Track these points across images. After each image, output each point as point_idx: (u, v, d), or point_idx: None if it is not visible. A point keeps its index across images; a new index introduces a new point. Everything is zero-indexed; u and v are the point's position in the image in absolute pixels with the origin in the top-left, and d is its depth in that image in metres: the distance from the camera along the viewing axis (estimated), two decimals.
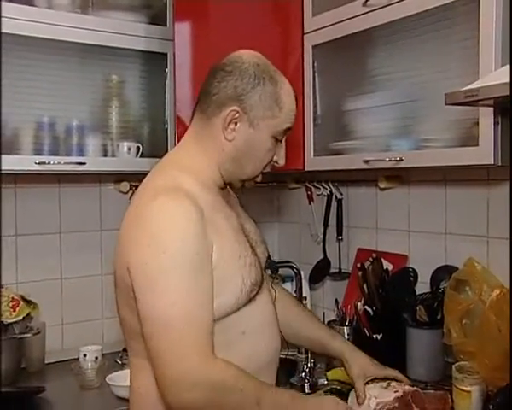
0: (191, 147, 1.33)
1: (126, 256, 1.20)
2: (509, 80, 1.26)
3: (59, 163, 2.01)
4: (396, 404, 1.55)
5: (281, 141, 1.35)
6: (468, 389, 1.64)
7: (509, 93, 1.27)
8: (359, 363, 1.58)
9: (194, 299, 1.14)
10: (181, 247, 1.15)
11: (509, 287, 1.69)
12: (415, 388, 1.61)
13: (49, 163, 1.99)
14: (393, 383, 1.59)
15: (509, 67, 1.32)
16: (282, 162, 1.37)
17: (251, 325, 1.29)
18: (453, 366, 1.72)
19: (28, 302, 2.09)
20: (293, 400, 1.26)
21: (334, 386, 1.87)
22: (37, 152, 2.04)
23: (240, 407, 1.17)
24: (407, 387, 1.60)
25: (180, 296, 1.13)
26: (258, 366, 1.29)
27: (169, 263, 1.14)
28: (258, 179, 1.38)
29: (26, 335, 2.03)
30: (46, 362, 2.20)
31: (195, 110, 1.35)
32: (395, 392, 1.56)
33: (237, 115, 1.27)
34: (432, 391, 1.74)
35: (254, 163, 1.33)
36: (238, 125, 1.28)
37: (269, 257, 1.53)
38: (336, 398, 1.40)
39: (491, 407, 1.48)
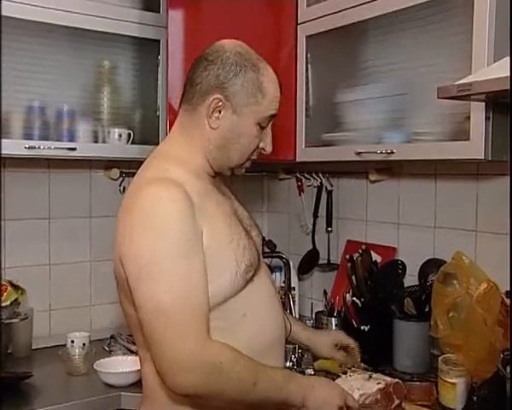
0: (179, 138, 1.36)
1: (119, 248, 1.22)
2: (506, 74, 1.27)
3: (49, 148, 2.00)
4: (378, 396, 1.57)
5: (266, 128, 1.36)
6: (453, 381, 1.66)
7: (503, 88, 1.28)
8: (322, 340, 1.67)
9: (188, 283, 1.15)
10: (171, 233, 1.16)
11: (496, 281, 1.70)
12: (396, 380, 1.64)
13: (38, 148, 1.97)
14: (375, 375, 1.63)
15: (508, 59, 1.32)
16: (268, 149, 1.38)
17: (251, 306, 1.30)
18: (439, 359, 1.74)
19: (16, 288, 2.08)
20: (288, 379, 1.26)
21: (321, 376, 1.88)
22: (27, 136, 2.03)
23: (237, 388, 1.18)
24: (389, 379, 1.63)
25: (174, 282, 1.14)
26: (262, 347, 1.31)
27: (161, 250, 1.15)
28: (247, 166, 1.39)
29: (13, 320, 2.02)
30: (33, 348, 2.19)
31: (182, 101, 1.36)
32: (378, 384, 1.59)
33: (220, 103, 1.28)
34: (417, 383, 1.76)
35: (240, 150, 1.34)
36: (222, 112, 1.29)
37: (263, 239, 1.54)
38: (331, 380, 1.42)
39: (475, 398, 1.49)
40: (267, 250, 1.80)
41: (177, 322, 1.13)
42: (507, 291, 1.59)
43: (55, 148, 2.02)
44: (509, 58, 1.32)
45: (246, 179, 1.52)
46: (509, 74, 1.26)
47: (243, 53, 1.31)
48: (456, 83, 1.39)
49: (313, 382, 1.30)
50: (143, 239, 1.16)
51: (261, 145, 1.37)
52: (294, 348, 2.04)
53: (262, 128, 1.34)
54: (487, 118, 1.57)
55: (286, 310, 2.04)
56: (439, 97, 1.43)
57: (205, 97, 1.29)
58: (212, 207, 1.28)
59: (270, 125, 1.37)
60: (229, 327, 1.25)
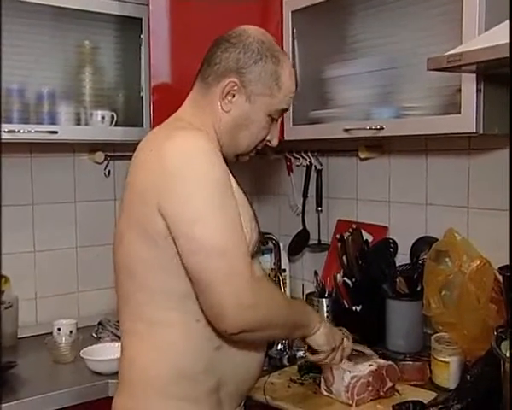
0: (190, 111, 1.34)
1: (156, 194, 1.17)
2: (497, 43, 1.22)
3: (29, 132, 1.95)
4: (370, 378, 1.55)
5: (276, 121, 1.36)
6: (446, 359, 1.64)
7: (495, 57, 1.24)
8: None
9: (235, 224, 1.18)
10: (218, 177, 1.17)
11: (489, 258, 1.68)
12: (389, 362, 1.62)
13: (18, 132, 1.92)
14: (367, 351, 1.62)
15: (508, 23, 1.27)
16: (274, 142, 1.39)
17: None
18: (432, 337, 1.72)
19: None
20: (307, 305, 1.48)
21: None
22: (7, 120, 1.96)
23: (283, 314, 1.26)
24: (381, 361, 1.62)
25: (225, 222, 1.16)
26: None
27: (211, 192, 1.16)
28: (252, 155, 1.39)
29: None
30: (19, 336, 2.15)
31: (196, 78, 1.35)
32: (370, 366, 1.57)
33: (235, 87, 1.28)
34: (410, 363, 1.74)
35: (249, 138, 1.34)
36: (236, 97, 1.29)
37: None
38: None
39: (468, 377, 1.47)
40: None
41: (236, 262, 1.15)
42: (500, 267, 1.56)
43: (36, 131, 1.97)
44: (508, 22, 1.27)
45: None
46: (499, 42, 1.22)
47: (266, 42, 1.30)
48: (446, 53, 1.35)
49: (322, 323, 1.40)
50: (192, 183, 1.15)
51: (268, 137, 1.37)
52: None
53: (272, 120, 1.34)
54: (478, 90, 1.53)
55: None
56: (428, 69, 1.39)
57: (221, 79, 1.29)
58: (233, 180, 1.28)
59: (280, 118, 1.37)
60: None
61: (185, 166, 1.16)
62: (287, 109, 1.37)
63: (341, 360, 1.47)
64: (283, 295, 1.33)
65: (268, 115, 1.32)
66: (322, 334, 1.38)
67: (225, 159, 1.34)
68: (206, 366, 1.25)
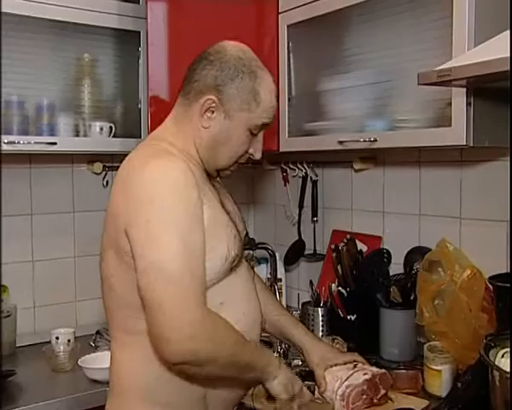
0: (172, 127, 1.37)
1: (124, 218, 1.21)
2: (486, 59, 1.25)
3: (29, 143, 1.97)
4: (365, 386, 1.57)
5: (257, 135, 1.37)
6: (438, 368, 1.67)
7: (483, 72, 1.27)
8: (318, 353, 1.61)
9: (193, 252, 1.18)
10: (180, 203, 1.18)
11: (480, 267, 1.70)
12: (383, 370, 1.64)
13: (18, 143, 1.95)
14: (360, 365, 1.62)
15: (508, 32, 1.29)
16: (257, 156, 1.40)
17: (229, 296, 1.32)
18: (425, 346, 1.74)
19: None
20: (265, 350, 1.40)
21: (308, 368, 1.88)
22: (7, 131, 1.99)
23: (230, 352, 1.23)
24: (375, 369, 1.63)
25: (182, 250, 1.16)
26: None
27: (170, 218, 1.17)
28: (233, 169, 1.41)
29: None
30: (17, 345, 2.17)
31: (178, 94, 1.38)
32: (364, 375, 1.58)
33: (214, 104, 1.30)
34: (403, 371, 1.76)
35: (229, 153, 1.36)
36: (214, 113, 1.31)
37: (247, 234, 1.56)
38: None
39: (459, 384, 1.49)
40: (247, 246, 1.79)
41: (182, 289, 1.14)
42: (490, 277, 1.59)
43: (35, 143, 1.99)
44: (508, 32, 1.29)
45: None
46: (488, 58, 1.25)
47: (243, 58, 1.32)
48: (436, 69, 1.38)
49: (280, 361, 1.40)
50: (153, 207, 1.17)
51: (250, 151, 1.39)
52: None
53: (252, 134, 1.36)
54: (468, 104, 1.56)
55: None
56: (419, 84, 1.42)
57: (200, 95, 1.31)
58: (209, 191, 1.31)
59: (262, 132, 1.38)
60: None
61: (152, 195, 1.18)
62: (268, 124, 1.37)
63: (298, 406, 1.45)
64: (237, 334, 1.25)
65: (247, 130, 1.34)
66: (281, 383, 1.36)
67: (207, 173, 1.38)
68: (188, 375, 1.26)
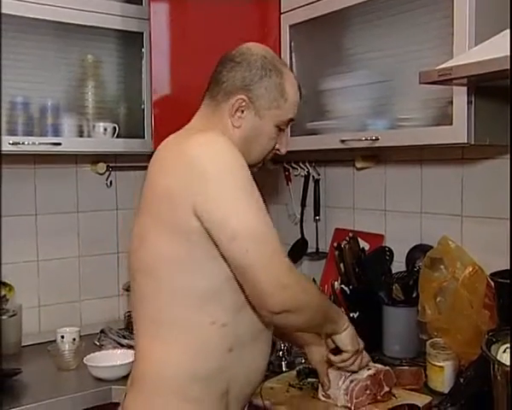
0: (200, 127, 1.36)
1: (190, 201, 1.20)
2: (486, 58, 1.26)
3: (33, 143, 1.99)
4: (368, 382, 1.58)
5: (284, 130, 1.42)
6: (441, 364, 1.68)
7: (484, 71, 1.28)
8: (321, 350, 1.60)
9: (265, 211, 1.24)
10: (243, 169, 1.23)
11: (482, 264, 1.72)
12: (387, 367, 1.65)
13: (23, 143, 1.97)
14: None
15: (508, 31, 1.31)
16: (284, 150, 1.45)
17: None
18: (427, 343, 1.75)
19: (4, 284, 2.08)
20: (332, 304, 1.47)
21: (311, 365, 1.89)
22: (11, 132, 2.02)
23: (315, 299, 1.31)
24: (379, 365, 1.64)
25: (259, 209, 1.22)
26: (258, 329, 1.34)
27: (241, 183, 1.22)
28: (260, 166, 1.45)
29: (1, 317, 2.02)
30: (23, 344, 2.19)
31: (205, 96, 1.40)
32: (368, 370, 1.59)
33: (244, 104, 1.34)
34: (406, 367, 1.77)
35: (260, 150, 1.40)
36: (245, 113, 1.35)
37: None
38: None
39: (461, 380, 1.51)
40: None
41: (270, 246, 1.20)
42: (491, 273, 1.60)
43: (40, 143, 2.01)
44: (508, 31, 1.30)
45: None
46: (488, 57, 1.27)
47: (268, 57, 1.36)
48: (437, 68, 1.39)
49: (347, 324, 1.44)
50: (226, 179, 1.20)
51: (277, 146, 1.43)
52: None
53: (280, 130, 1.40)
54: (469, 102, 1.57)
55: None
56: (420, 83, 1.43)
57: (229, 96, 1.34)
58: None
59: (287, 128, 1.43)
60: (241, 303, 1.28)
61: (213, 163, 1.20)
62: (293, 119, 1.42)
63: (359, 367, 1.52)
64: (313, 284, 1.37)
65: (276, 126, 1.38)
66: (349, 335, 1.43)
67: None
68: (218, 369, 1.28)
